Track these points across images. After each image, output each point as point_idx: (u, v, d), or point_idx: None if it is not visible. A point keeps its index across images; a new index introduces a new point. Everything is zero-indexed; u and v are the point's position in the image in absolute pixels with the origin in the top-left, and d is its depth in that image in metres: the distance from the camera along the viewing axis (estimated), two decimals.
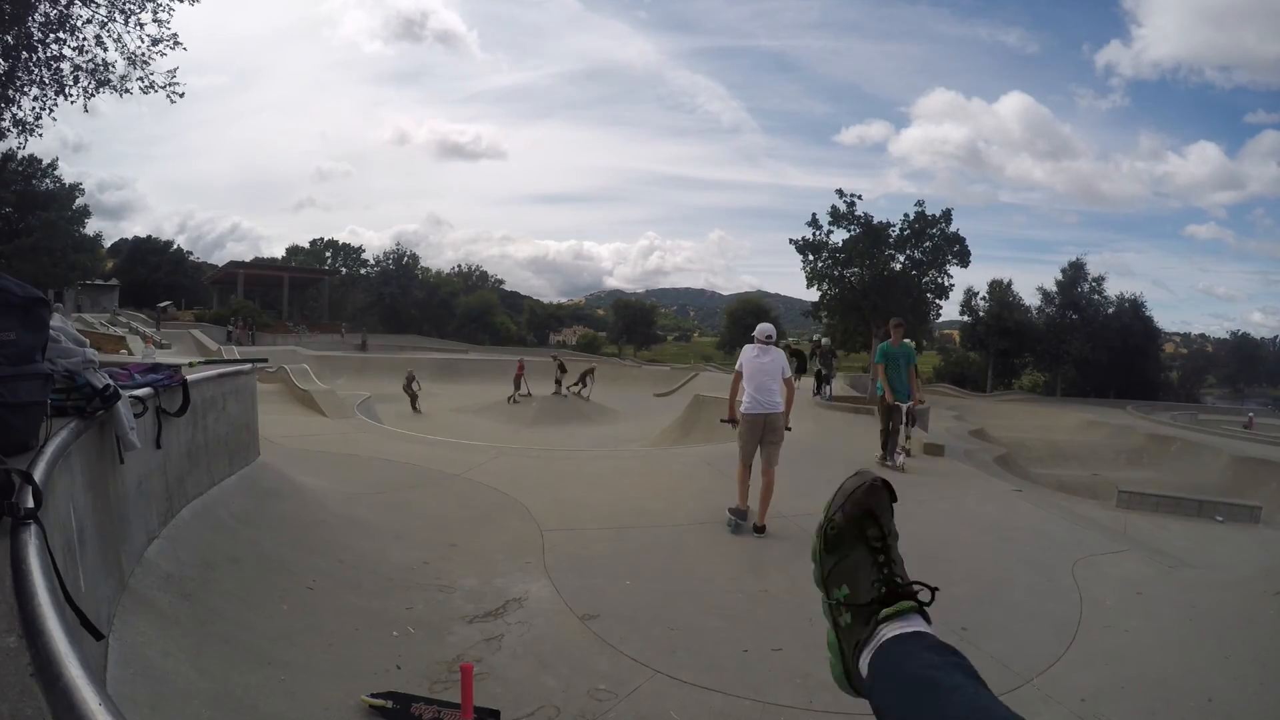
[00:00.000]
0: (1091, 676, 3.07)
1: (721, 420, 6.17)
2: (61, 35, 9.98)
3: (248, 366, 4.96)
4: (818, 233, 18.85)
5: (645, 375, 33.43)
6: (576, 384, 20.16)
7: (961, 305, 39.89)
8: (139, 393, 2.77)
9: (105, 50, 10.21)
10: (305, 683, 2.51)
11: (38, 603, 1.03)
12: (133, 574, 2.52)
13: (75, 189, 34.96)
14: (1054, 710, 2.80)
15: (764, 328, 5.46)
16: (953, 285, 19.47)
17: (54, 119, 10.82)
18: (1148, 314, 41.15)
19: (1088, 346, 37.26)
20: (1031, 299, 40.75)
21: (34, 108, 10.37)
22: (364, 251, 63.80)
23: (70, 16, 9.87)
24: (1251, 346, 56.85)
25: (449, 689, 2.65)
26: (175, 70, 10.78)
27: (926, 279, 18.89)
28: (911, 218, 18.44)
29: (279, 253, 69.03)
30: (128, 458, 2.47)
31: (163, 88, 10.67)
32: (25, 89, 10.13)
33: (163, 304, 36.30)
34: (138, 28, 10.24)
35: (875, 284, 18.45)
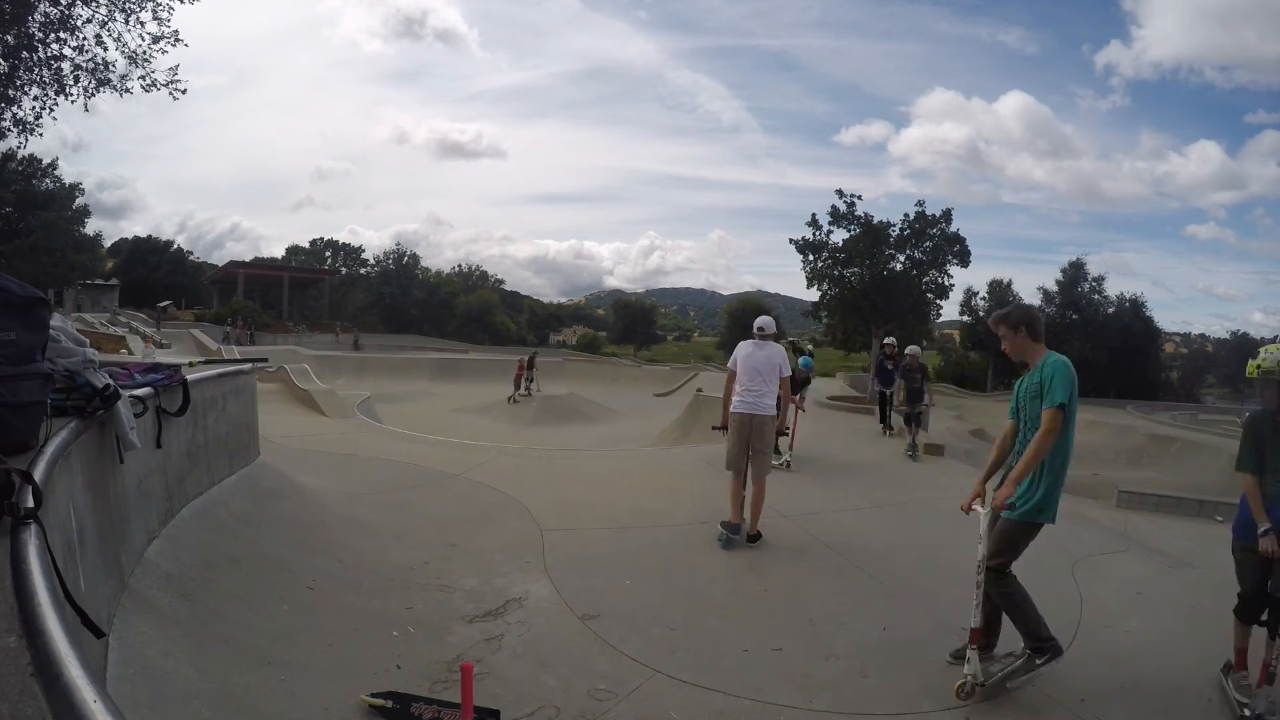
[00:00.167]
0: (1091, 676, 3.08)
1: (713, 428, 5.57)
2: (62, 35, 9.98)
3: (248, 366, 4.96)
4: (818, 233, 18.86)
5: (645, 375, 33.42)
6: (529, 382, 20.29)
7: (961, 305, 39.95)
8: (139, 393, 2.77)
9: (105, 49, 10.22)
10: (305, 683, 2.51)
11: (38, 603, 1.03)
12: (133, 574, 2.52)
13: (75, 189, 35.00)
14: (1054, 710, 2.80)
15: (764, 320, 5.13)
16: (953, 285, 19.49)
17: (54, 119, 10.84)
18: (1148, 314, 41.18)
19: (1088, 346, 37.25)
20: (1032, 299, 40.80)
21: (34, 107, 10.39)
22: (364, 251, 63.88)
23: (71, 16, 9.88)
24: (1251, 346, 56.75)
25: (449, 689, 2.65)
26: (176, 68, 10.79)
27: (926, 279, 18.88)
28: (912, 218, 18.46)
29: (279, 253, 69.04)
30: (128, 458, 2.47)
31: (164, 86, 10.67)
32: (25, 89, 10.14)
33: (163, 304, 36.27)
34: (138, 26, 10.26)
35: (875, 284, 18.45)
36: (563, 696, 2.73)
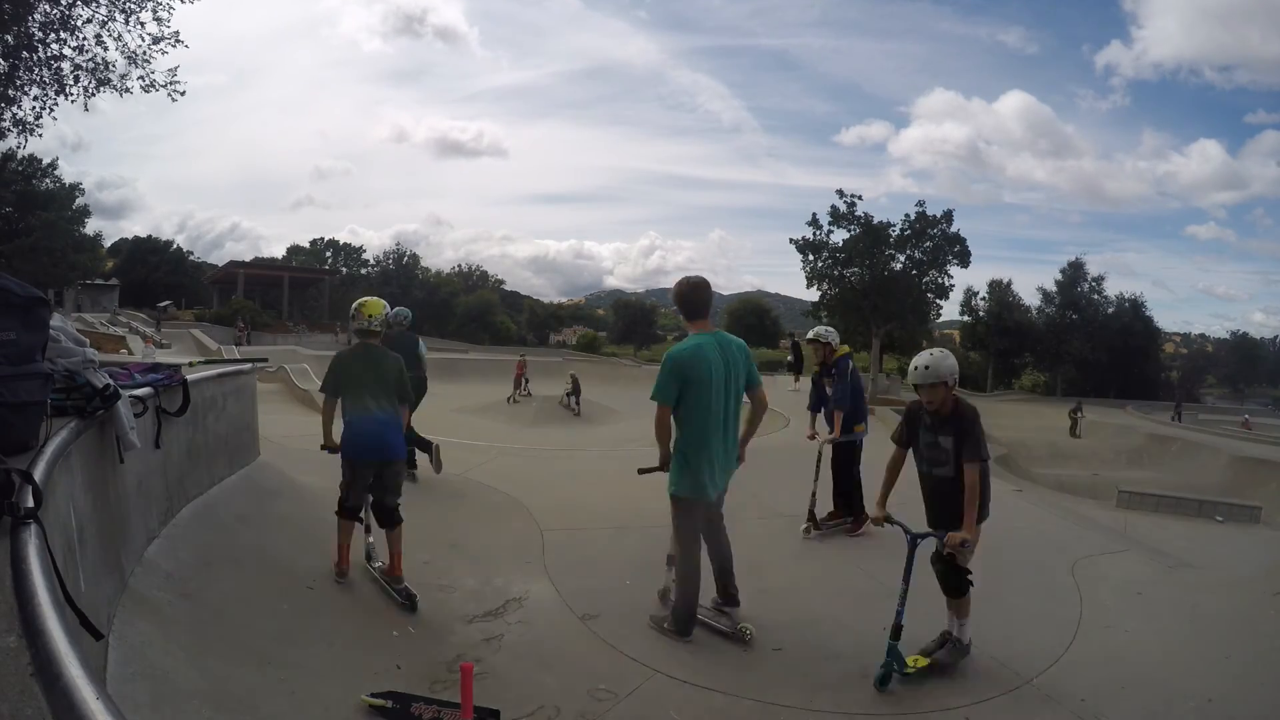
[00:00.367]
0: (1091, 676, 3.08)
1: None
2: (62, 35, 9.98)
3: (248, 366, 4.96)
4: (818, 233, 18.87)
5: (645, 375, 33.38)
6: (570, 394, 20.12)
7: (961, 305, 39.93)
8: (139, 392, 2.77)
9: (105, 49, 10.21)
10: (305, 683, 2.51)
11: (38, 602, 1.03)
12: (133, 574, 2.52)
13: (75, 189, 34.98)
14: (1054, 710, 2.80)
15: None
16: (953, 285, 19.47)
17: (54, 119, 10.82)
18: (1148, 314, 41.24)
19: (1088, 346, 37.28)
20: (1032, 299, 40.81)
21: (34, 107, 10.38)
22: (364, 251, 63.86)
23: (71, 16, 9.88)
24: (1251, 346, 56.85)
25: (449, 689, 2.65)
26: (176, 69, 10.78)
27: (927, 279, 18.88)
28: (912, 218, 18.46)
29: (279, 252, 69.04)
30: (128, 458, 2.46)
31: (163, 86, 10.66)
32: (25, 89, 10.13)
33: (163, 304, 36.23)
34: (138, 26, 10.25)
35: (875, 284, 18.44)
36: (563, 696, 2.73)
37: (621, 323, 66.53)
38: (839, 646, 3.32)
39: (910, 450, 3.33)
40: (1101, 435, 20.68)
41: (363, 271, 60.46)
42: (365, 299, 3.84)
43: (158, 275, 51.28)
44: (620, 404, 20.59)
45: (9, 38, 9.48)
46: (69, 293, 36.42)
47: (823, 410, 5.57)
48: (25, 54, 9.79)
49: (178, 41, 10.48)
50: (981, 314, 39.74)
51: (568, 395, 19.21)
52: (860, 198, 18.57)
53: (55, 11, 9.79)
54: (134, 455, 2.53)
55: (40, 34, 9.80)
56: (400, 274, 56.94)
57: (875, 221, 18.40)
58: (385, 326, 3.95)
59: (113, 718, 0.81)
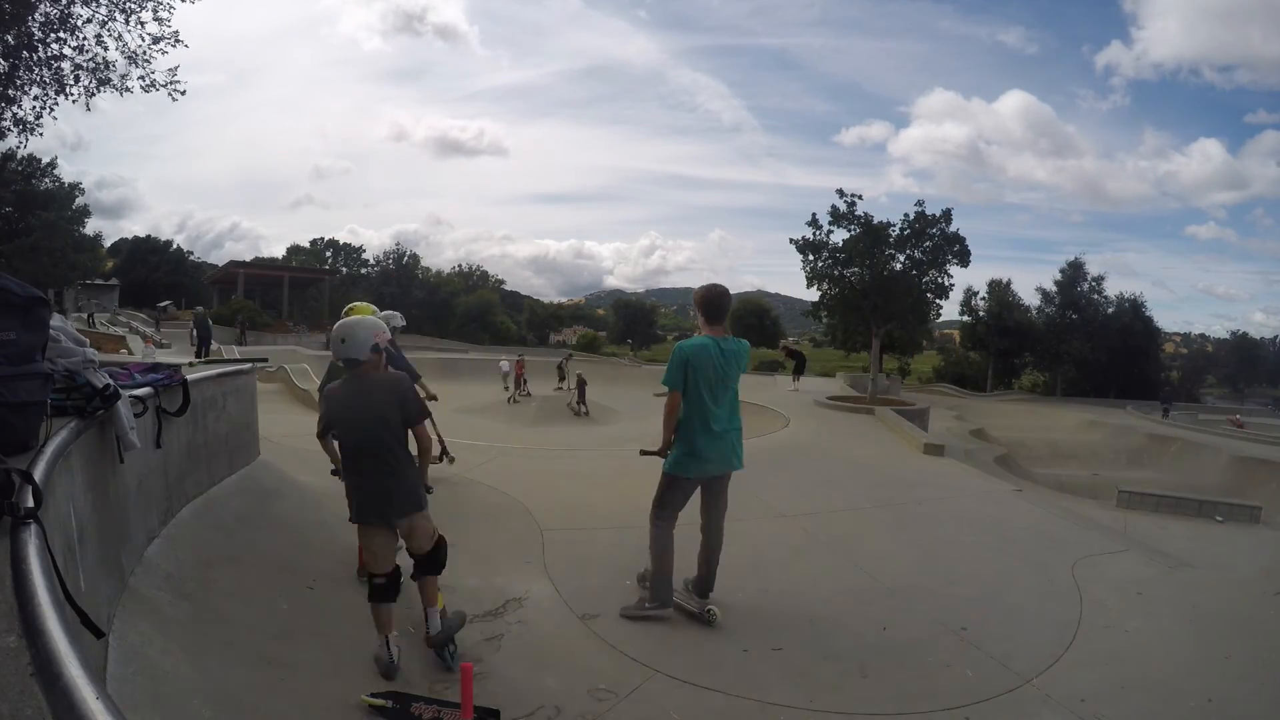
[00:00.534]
0: (1091, 676, 3.07)
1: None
2: (62, 34, 9.97)
3: (248, 366, 4.96)
4: (818, 232, 18.78)
5: (645, 375, 33.38)
6: (569, 389, 20.18)
7: (961, 305, 39.89)
8: (139, 392, 2.77)
9: (106, 49, 10.21)
10: (305, 683, 2.51)
11: (38, 602, 1.03)
12: (133, 573, 2.52)
13: (75, 189, 34.97)
14: (1054, 710, 2.80)
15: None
16: (953, 285, 19.36)
17: (54, 118, 10.82)
18: (1147, 314, 41.19)
19: (1088, 346, 37.26)
20: (1032, 299, 40.77)
21: (34, 107, 10.37)
22: (364, 251, 63.97)
23: (71, 16, 9.87)
24: (1251, 346, 56.84)
25: (449, 689, 2.65)
26: (176, 68, 10.78)
27: (926, 279, 18.82)
28: (911, 217, 18.40)
29: (278, 252, 69.13)
30: (128, 457, 2.46)
31: (164, 86, 10.66)
32: (25, 89, 10.13)
33: (163, 304, 36.22)
34: (138, 26, 10.24)
35: (875, 284, 18.38)
36: (563, 696, 2.73)
37: (621, 322, 66.51)
38: (839, 646, 3.32)
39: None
40: (1101, 435, 20.69)
41: (363, 271, 60.48)
42: (354, 304, 3.90)
43: (158, 275, 51.31)
44: (621, 404, 20.60)
45: (9, 37, 9.48)
46: (69, 293, 36.40)
47: None
48: (25, 54, 9.78)
49: (178, 41, 10.48)
50: (981, 314, 39.72)
51: (575, 398, 19.23)
52: (860, 197, 18.49)
53: (55, 11, 9.79)
54: (134, 455, 2.53)
55: (40, 34, 9.79)
56: (400, 274, 56.92)
57: (875, 221, 18.38)
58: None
59: (113, 718, 0.81)
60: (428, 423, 3.08)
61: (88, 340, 2.40)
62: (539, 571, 4.05)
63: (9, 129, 10.35)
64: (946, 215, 18.32)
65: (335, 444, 2.97)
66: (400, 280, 55.82)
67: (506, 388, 19.71)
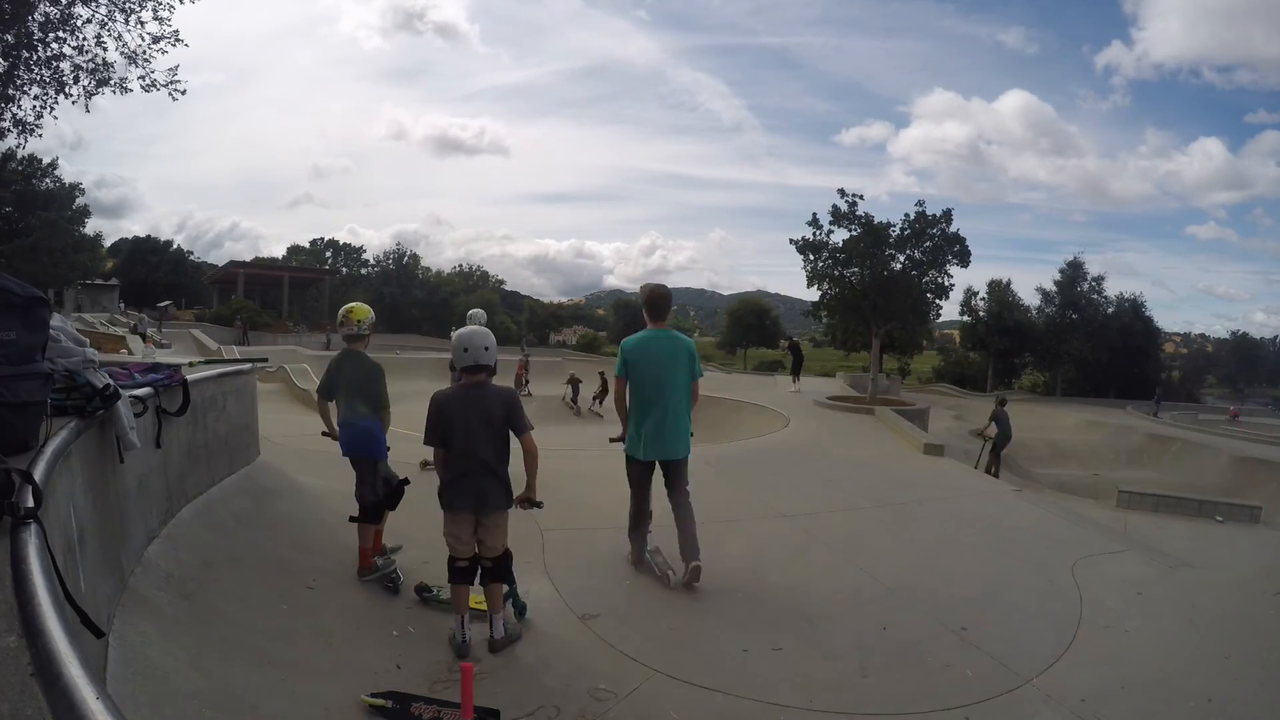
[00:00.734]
0: (1091, 676, 3.07)
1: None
2: (62, 34, 9.97)
3: (248, 366, 4.96)
4: (818, 232, 18.78)
5: None
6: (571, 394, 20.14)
7: (961, 305, 39.87)
8: (139, 392, 2.77)
9: (105, 49, 10.20)
10: (305, 683, 2.51)
11: (38, 602, 1.03)
12: (133, 573, 2.52)
13: (75, 189, 34.96)
14: (1054, 710, 2.80)
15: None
16: (953, 285, 19.33)
17: (55, 118, 10.82)
18: (1147, 314, 41.19)
19: (1088, 346, 37.24)
20: (1032, 299, 40.75)
21: (34, 107, 10.37)
22: (364, 251, 63.97)
23: (71, 16, 9.87)
24: (1251, 346, 56.83)
25: (449, 689, 2.65)
26: (176, 68, 10.77)
27: (926, 279, 18.80)
28: (912, 217, 18.40)
29: (278, 252, 69.19)
30: (128, 457, 2.46)
31: (164, 86, 10.65)
32: (25, 88, 10.12)
33: (163, 303, 36.22)
34: (138, 25, 10.24)
35: (875, 284, 18.37)
36: (563, 697, 2.73)
37: (622, 323, 66.44)
38: (839, 646, 3.32)
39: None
40: (1101, 435, 20.69)
41: (363, 271, 60.47)
42: (353, 305, 3.99)
43: (158, 275, 51.31)
44: None
45: (9, 37, 9.48)
46: (69, 293, 36.40)
47: None
48: (25, 54, 9.78)
49: (177, 41, 10.47)
50: (981, 314, 39.71)
51: (568, 396, 19.20)
52: (861, 197, 18.47)
53: (55, 11, 9.78)
54: (134, 455, 2.53)
55: (40, 34, 9.79)
56: (400, 274, 56.90)
57: (876, 221, 18.36)
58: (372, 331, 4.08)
59: (113, 718, 0.81)
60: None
61: (88, 340, 2.41)
62: (539, 571, 4.04)
63: (9, 129, 10.35)
64: (947, 215, 18.31)
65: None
66: (400, 280, 55.78)
67: (568, 404, 19.53)
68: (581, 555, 4.37)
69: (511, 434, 3.21)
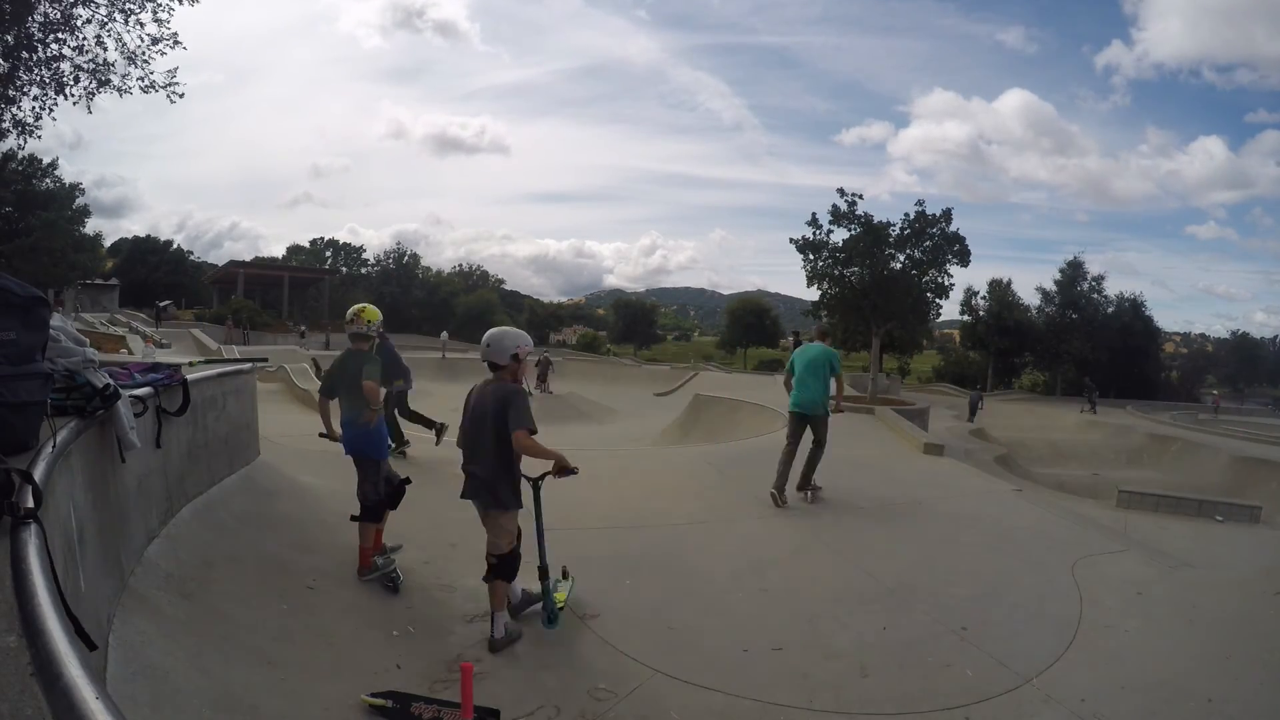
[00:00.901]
0: (1091, 676, 3.07)
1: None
2: (61, 35, 9.98)
3: (248, 366, 4.96)
4: (818, 232, 18.81)
5: (645, 375, 33.41)
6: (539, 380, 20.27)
7: (961, 305, 39.89)
8: (139, 392, 2.77)
9: (105, 50, 10.21)
10: (305, 683, 2.51)
11: (38, 602, 1.03)
12: (133, 573, 2.52)
13: (75, 189, 34.93)
14: (1054, 710, 2.80)
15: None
16: (953, 285, 19.38)
17: (54, 119, 10.83)
18: (1147, 313, 41.22)
19: (1088, 346, 37.25)
20: (1032, 298, 40.77)
21: (34, 108, 10.38)
22: (364, 251, 64.00)
23: (71, 16, 9.87)
24: (1252, 346, 56.81)
25: (449, 689, 2.65)
26: (175, 70, 10.78)
27: (926, 279, 18.84)
28: (911, 217, 18.42)
29: (278, 252, 69.23)
30: (128, 457, 2.46)
31: (163, 87, 10.66)
32: (25, 89, 10.13)
33: (162, 303, 36.20)
34: (138, 27, 10.25)
35: (875, 284, 18.39)
36: (563, 696, 2.73)
37: (622, 322, 66.51)
38: (839, 646, 3.32)
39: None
40: (1101, 435, 20.69)
41: (363, 271, 60.49)
42: (364, 305, 4.03)
43: (158, 275, 51.33)
44: (621, 404, 20.61)
45: (9, 38, 9.48)
46: (69, 292, 36.39)
47: None
48: (25, 54, 9.79)
49: (176, 42, 10.48)
50: (981, 313, 39.73)
51: (538, 380, 19.29)
52: (861, 197, 18.50)
53: (55, 11, 9.79)
54: (134, 455, 2.53)
55: (40, 34, 9.80)
56: (400, 274, 56.93)
57: (876, 221, 18.39)
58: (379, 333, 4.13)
59: (113, 718, 0.81)
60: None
61: (88, 340, 2.41)
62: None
63: (9, 130, 10.35)
64: (947, 215, 18.32)
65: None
66: (400, 280, 55.84)
67: (539, 388, 19.76)
68: (581, 555, 4.37)
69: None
